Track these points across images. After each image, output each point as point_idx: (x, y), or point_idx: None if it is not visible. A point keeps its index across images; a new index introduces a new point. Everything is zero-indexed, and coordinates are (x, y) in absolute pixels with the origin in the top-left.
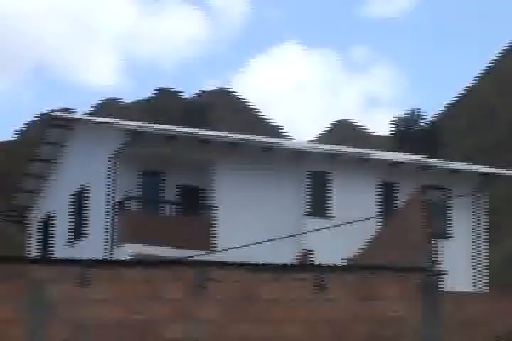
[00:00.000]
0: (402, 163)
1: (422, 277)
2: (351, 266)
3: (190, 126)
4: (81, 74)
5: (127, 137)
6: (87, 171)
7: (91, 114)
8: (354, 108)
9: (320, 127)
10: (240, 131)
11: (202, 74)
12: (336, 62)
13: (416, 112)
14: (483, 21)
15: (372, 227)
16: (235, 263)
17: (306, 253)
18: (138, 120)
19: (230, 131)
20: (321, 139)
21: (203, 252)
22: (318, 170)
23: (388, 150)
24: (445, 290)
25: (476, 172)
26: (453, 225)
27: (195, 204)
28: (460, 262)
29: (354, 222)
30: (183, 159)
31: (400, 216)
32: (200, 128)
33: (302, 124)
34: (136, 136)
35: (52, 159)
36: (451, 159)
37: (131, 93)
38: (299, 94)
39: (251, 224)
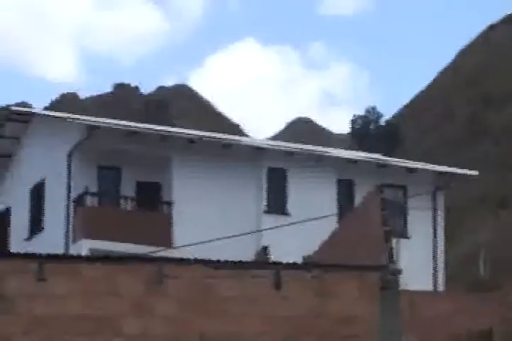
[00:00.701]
0: (359, 161)
1: (380, 276)
2: (309, 264)
3: (148, 122)
4: (38, 68)
5: (85, 132)
6: (45, 166)
7: (49, 108)
8: (312, 105)
9: (278, 124)
10: (199, 128)
11: (160, 70)
12: (294, 60)
13: (375, 110)
14: (441, 19)
15: (330, 225)
16: (193, 259)
17: (264, 251)
18: (96, 115)
19: (189, 127)
20: (279, 136)
21: (161, 248)
22: (276, 168)
23: (347, 148)
24: (404, 289)
25: (433, 171)
26: (411, 224)
27: (154, 200)
28: (418, 261)
29: (311, 219)
30: (142, 155)
31: (357, 214)
32: (159, 124)
33: (260, 121)
34: (94, 131)
35: (9, 154)
36: (411, 157)
37: (88, 88)
38: (257, 91)
39: (209, 220)
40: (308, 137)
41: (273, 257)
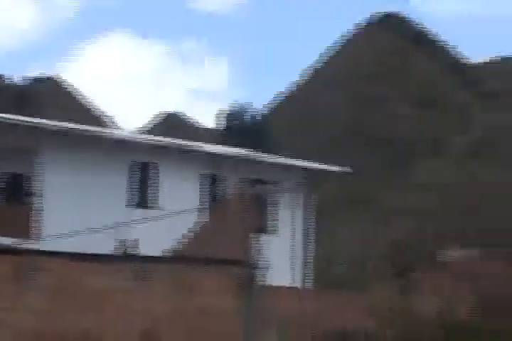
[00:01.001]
0: (227, 155)
1: (242, 270)
2: (171, 258)
3: (17, 114)
4: None
5: None
6: None
7: None
8: (183, 100)
9: (148, 118)
10: (68, 120)
11: (31, 62)
12: (167, 54)
13: (245, 106)
14: (314, 17)
15: (196, 219)
16: (57, 251)
17: (129, 244)
18: None
19: (58, 119)
20: (149, 130)
21: (28, 240)
22: (144, 161)
23: (217, 143)
24: (267, 284)
25: (304, 168)
26: (279, 220)
27: (21, 192)
28: (284, 257)
29: (176, 213)
30: (9, 147)
31: (223, 209)
32: (28, 116)
33: (130, 115)
34: None
35: None
36: (283, 153)
37: None
38: (128, 84)
39: (77, 213)
40: (178, 131)
41: (140, 251)
